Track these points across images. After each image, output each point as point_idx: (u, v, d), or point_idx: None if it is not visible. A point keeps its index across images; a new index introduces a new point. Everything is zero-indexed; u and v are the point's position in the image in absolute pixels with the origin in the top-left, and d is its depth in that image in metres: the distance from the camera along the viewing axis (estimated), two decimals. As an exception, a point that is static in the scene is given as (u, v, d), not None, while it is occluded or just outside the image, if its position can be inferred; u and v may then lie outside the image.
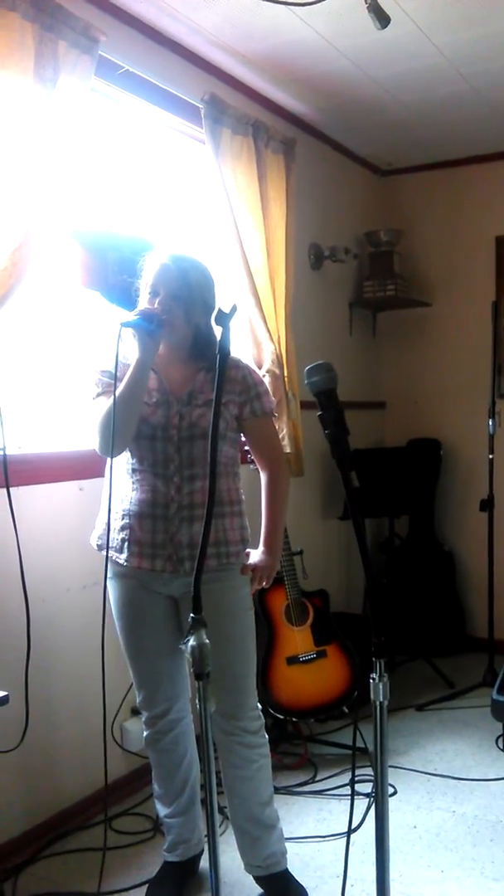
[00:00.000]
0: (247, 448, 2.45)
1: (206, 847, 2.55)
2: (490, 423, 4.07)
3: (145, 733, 2.47)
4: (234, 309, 1.74)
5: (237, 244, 3.35)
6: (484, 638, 4.24)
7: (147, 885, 2.49)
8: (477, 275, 4.77)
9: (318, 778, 3.20)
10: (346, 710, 3.46)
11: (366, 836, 2.47)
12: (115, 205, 3.15)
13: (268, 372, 3.54)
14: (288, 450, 3.58)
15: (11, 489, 2.35)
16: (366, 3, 2.64)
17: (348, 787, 3.09)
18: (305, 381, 1.60)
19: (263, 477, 2.42)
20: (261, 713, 2.39)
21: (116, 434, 2.13)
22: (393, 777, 3.16)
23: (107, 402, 2.18)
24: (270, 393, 2.46)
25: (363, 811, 2.87)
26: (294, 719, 3.39)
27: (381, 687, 1.56)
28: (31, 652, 2.31)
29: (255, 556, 2.39)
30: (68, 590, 2.83)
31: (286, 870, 2.44)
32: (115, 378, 2.15)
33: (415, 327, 4.96)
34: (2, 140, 2.30)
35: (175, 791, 2.48)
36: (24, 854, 2.64)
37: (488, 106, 3.97)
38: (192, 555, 2.22)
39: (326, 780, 3.18)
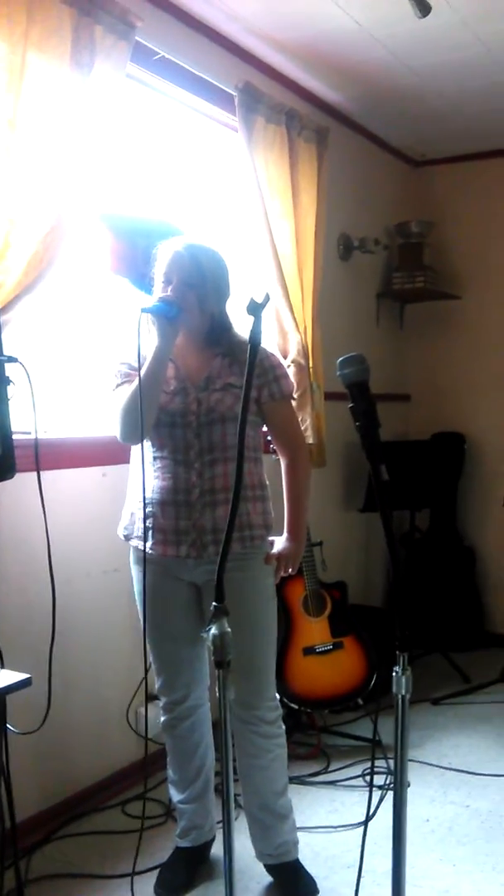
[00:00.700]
0: (268, 438, 2.45)
1: (217, 834, 2.59)
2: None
3: (162, 718, 2.49)
4: (266, 298, 1.72)
5: (266, 233, 3.34)
6: (502, 634, 4.23)
7: (158, 870, 2.51)
8: (508, 269, 4.72)
9: (330, 769, 3.21)
10: (360, 702, 3.47)
11: (378, 828, 2.48)
12: (146, 191, 3.14)
13: (293, 362, 3.53)
14: (311, 440, 3.57)
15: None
16: (406, -9, 2.62)
17: (360, 779, 3.10)
18: (338, 373, 1.59)
19: (283, 462, 2.41)
20: (278, 703, 2.40)
21: (137, 423, 2.13)
22: (407, 770, 3.16)
23: (127, 391, 2.18)
24: (290, 377, 2.45)
25: (376, 802, 2.88)
26: (308, 710, 3.41)
27: (403, 680, 1.57)
28: (55, 635, 2.33)
29: (280, 543, 2.39)
30: (88, 574, 2.85)
31: (297, 859, 2.46)
32: (139, 359, 2.13)
33: (443, 320, 4.93)
34: (37, 124, 2.30)
35: (189, 777, 2.50)
36: (38, 834, 2.67)
37: (526, 98, 3.92)
38: (216, 539, 2.23)
39: (339, 770, 3.19)
